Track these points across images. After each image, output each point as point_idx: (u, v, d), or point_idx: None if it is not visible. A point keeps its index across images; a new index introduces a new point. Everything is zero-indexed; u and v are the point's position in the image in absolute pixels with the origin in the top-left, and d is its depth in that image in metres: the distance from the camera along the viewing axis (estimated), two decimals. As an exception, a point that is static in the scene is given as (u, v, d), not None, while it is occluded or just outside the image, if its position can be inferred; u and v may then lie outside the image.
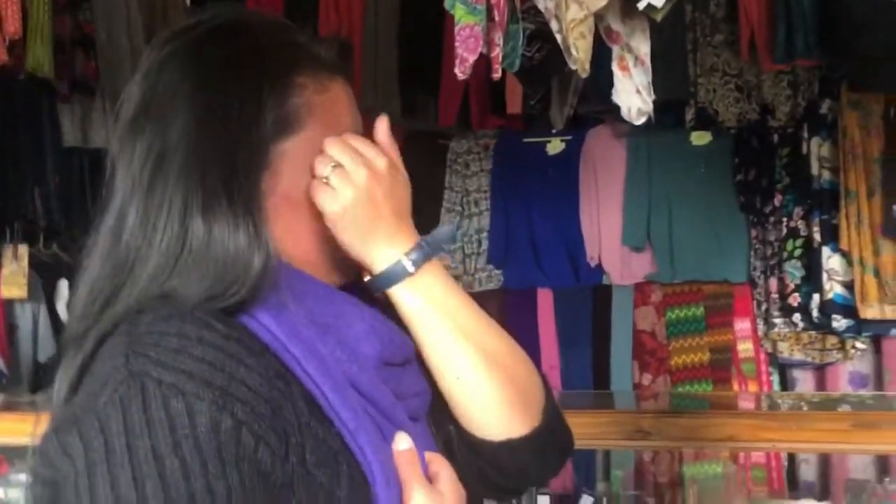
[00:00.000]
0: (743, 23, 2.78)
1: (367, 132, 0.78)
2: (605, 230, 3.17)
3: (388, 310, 0.76)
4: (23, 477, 1.90)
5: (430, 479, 0.70)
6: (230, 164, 0.69)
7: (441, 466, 0.71)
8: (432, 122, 3.19)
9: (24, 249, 2.93)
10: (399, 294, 0.75)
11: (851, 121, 2.76)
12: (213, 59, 0.73)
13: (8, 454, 2.07)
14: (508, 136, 3.27)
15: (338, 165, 0.73)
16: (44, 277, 3.00)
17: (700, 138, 3.12)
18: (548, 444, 0.81)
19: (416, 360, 0.77)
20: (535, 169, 3.24)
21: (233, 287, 0.67)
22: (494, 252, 3.26)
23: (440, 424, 0.79)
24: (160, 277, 0.68)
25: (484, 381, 0.76)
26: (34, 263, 2.96)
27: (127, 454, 0.59)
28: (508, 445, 0.78)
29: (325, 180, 0.73)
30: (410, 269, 0.74)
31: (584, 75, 1.44)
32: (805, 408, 1.78)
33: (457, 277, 3.24)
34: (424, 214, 3.45)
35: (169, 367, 0.62)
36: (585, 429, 1.33)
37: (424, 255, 0.75)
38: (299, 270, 0.73)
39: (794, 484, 2.84)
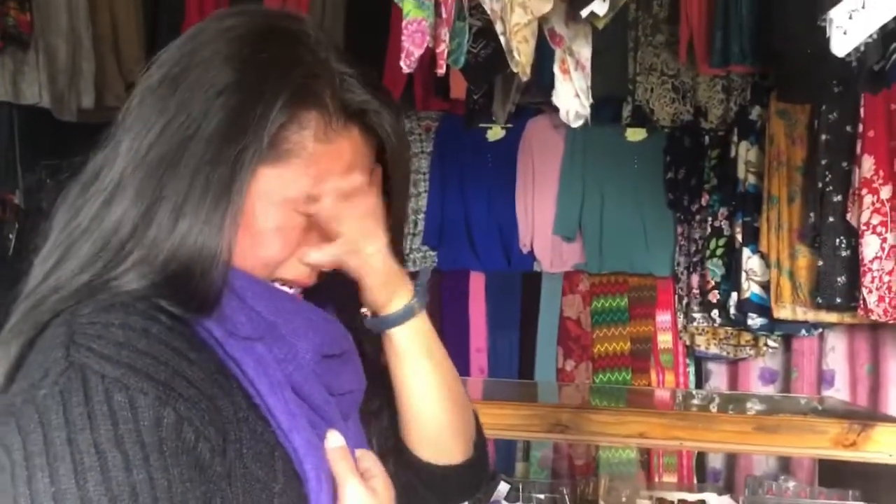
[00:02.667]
0: (683, 26, 2.86)
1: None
2: (538, 219, 3.24)
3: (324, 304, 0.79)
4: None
5: (361, 475, 0.73)
6: (234, 169, 0.69)
7: (373, 463, 0.75)
8: (375, 100, 3.18)
9: (-54, 205, 2.83)
10: (399, 333, 0.81)
11: (778, 129, 2.87)
12: (256, 55, 0.72)
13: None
14: (450, 120, 3.30)
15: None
16: (-33, 234, 2.91)
17: (635, 135, 3.20)
18: (474, 473, 0.89)
19: (353, 354, 0.80)
20: (475, 154, 3.28)
21: (191, 290, 0.68)
22: (430, 233, 3.30)
23: (378, 434, 0.85)
24: (139, 268, 0.68)
25: (443, 411, 0.84)
26: (-43, 220, 2.87)
27: (67, 447, 0.59)
28: (445, 470, 0.85)
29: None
30: (419, 311, 0.82)
31: (524, 79, 1.47)
32: (714, 409, 1.88)
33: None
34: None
35: (112, 360, 0.62)
36: (508, 419, 1.39)
37: (423, 300, 0.82)
38: (238, 269, 0.73)
39: (701, 473, 2.99)
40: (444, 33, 1.49)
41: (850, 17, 1.34)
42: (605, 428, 1.37)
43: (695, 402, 2.20)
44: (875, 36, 1.43)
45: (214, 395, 0.66)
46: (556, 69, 1.65)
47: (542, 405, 1.51)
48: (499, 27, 1.43)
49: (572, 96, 1.64)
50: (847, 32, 1.35)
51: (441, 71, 1.51)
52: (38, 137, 3.06)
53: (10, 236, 2.92)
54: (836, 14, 1.35)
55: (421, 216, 3.31)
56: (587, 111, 1.66)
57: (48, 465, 0.59)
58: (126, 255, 0.68)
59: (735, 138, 2.99)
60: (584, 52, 1.63)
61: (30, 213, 2.99)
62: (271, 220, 0.73)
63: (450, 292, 3.26)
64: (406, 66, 1.51)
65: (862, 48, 1.44)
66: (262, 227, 0.73)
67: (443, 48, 1.50)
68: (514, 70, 1.44)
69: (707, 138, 3.11)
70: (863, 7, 1.34)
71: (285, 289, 0.77)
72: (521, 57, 1.41)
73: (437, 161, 3.33)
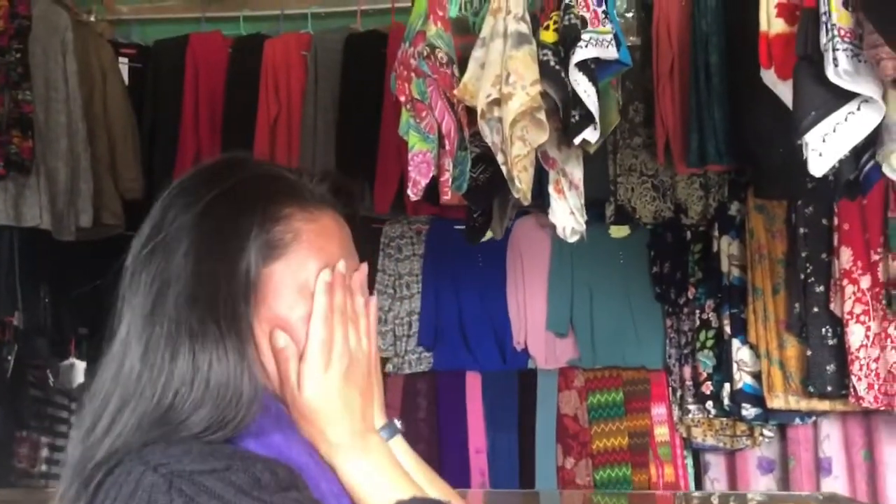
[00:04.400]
0: (659, 129, 2.99)
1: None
2: (530, 316, 3.31)
3: None
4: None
5: None
6: (221, 294, 0.76)
7: None
8: (368, 207, 3.27)
9: (-53, 329, 2.86)
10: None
11: (758, 223, 2.99)
12: (211, 194, 0.81)
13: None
14: (440, 223, 3.40)
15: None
16: (-34, 357, 2.93)
17: (619, 232, 3.31)
18: None
19: None
20: (465, 255, 3.36)
21: (230, 415, 0.73)
22: (425, 335, 3.35)
23: None
24: (160, 408, 0.73)
25: None
26: (-43, 343, 2.89)
27: None
28: None
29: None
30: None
31: (525, 203, 1.57)
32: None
33: (388, 360, 3.31)
34: (357, 298, 3.58)
35: (200, 464, 0.70)
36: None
37: None
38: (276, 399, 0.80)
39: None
40: (448, 163, 1.59)
41: (824, 141, 1.45)
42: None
43: (696, 499, 2.23)
44: (848, 154, 1.55)
45: None
46: (551, 189, 1.75)
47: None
48: (500, 158, 1.52)
49: (567, 214, 1.73)
50: (822, 154, 1.46)
51: (446, 198, 1.61)
52: (38, 258, 3.11)
53: (9, 357, 2.94)
54: (810, 138, 1.46)
55: (415, 317, 3.37)
56: (583, 227, 1.75)
57: None
58: (177, 401, 0.74)
59: (716, 233, 3.10)
60: (577, 172, 1.73)
61: (28, 334, 3.02)
62: (296, 310, 0.79)
63: (447, 393, 3.29)
64: (413, 194, 1.60)
65: (837, 165, 1.55)
66: (288, 319, 0.79)
67: (447, 177, 1.60)
68: (516, 196, 1.53)
69: (689, 233, 3.21)
70: (834, 131, 1.46)
71: None
72: (522, 185, 1.50)
73: (429, 263, 3.41)
